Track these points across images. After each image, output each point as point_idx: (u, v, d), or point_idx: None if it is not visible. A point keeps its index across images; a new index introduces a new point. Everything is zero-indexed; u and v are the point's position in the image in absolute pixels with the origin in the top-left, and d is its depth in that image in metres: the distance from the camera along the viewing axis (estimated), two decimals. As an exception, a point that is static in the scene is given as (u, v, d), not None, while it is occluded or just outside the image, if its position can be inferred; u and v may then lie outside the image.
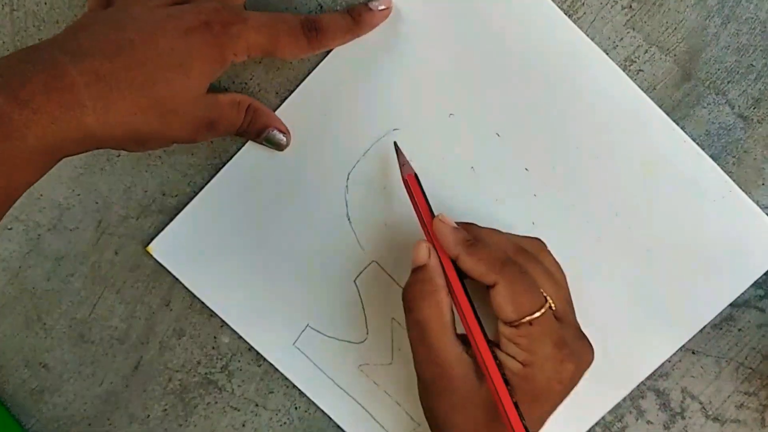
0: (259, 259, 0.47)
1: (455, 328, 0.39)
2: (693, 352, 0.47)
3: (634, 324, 0.46)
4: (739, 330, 0.47)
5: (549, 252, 0.42)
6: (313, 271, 0.47)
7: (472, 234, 0.40)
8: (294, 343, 0.47)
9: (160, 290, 0.48)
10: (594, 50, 0.44)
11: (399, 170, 0.43)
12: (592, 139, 0.45)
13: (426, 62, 0.44)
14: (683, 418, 0.48)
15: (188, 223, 0.46)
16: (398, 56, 0.44)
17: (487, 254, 0.38)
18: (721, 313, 0.47)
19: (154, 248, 0.47)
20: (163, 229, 0.47)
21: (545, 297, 0.38)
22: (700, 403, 0.48)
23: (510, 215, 0.45)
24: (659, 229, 0.45)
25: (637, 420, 0.48)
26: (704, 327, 0.47)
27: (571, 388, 0.39)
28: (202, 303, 0.47)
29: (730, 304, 0.46)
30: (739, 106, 0.45)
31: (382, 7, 0.43)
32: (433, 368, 0.38)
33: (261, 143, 0.45)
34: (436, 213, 0.40)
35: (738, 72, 0.45)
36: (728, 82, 0.45)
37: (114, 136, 0.36)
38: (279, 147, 0.45)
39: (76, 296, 0.48)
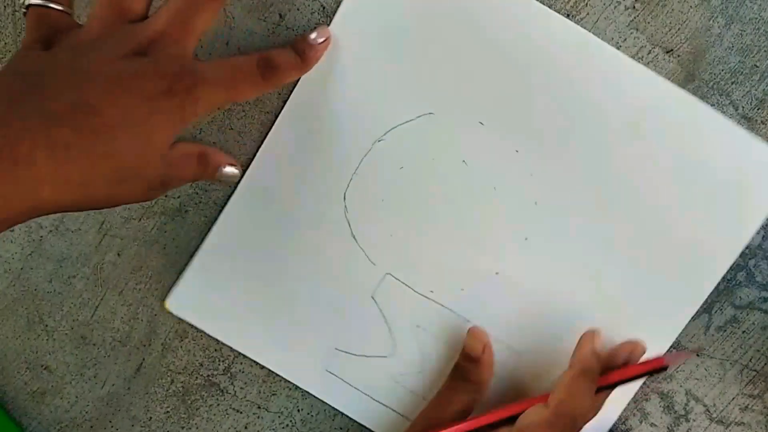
0: (275, 293, 0.46)
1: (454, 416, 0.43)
2: (697, 354, 0.47)
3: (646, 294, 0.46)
4: (744, 332, 0.47)
5: None
6: (330, 295, 0.46)
7: None
8: (326, 369, 0.47)
9: (162, 292, 0.48)
10: (557, 18, 0.44)
11: (394, 174, 0.44)
12: (574, 103, 0.44)
13: (397, 66, 0.44)
14: (687, 420, 0.48)
15: (199, 273, 0.46)
16: (365, 67, 0.44)
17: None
18: (725, 314, 0.46)
19: (171, 305, 0.47)
20: (165, 231, 0.47)
21: None
22: (705, 405, 0.48)
23: (510, 200, 0.45)
24: (653, 189, 0.45)
25: (641, 422, 0.48)
26: (708, 328, 0.46)
27: None
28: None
29: (735, 306, 0.46)
30: (743, 107, 0.45)
31: (321, 39, 0.43)
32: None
33: (215, 182, 0.44)
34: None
35: (742, 73, 0.44)
36: (732, 83, 0.45)
37: (61, 206, 0.34)
38: (232, 181, 0.45)
39: (78, 298, 0.48)
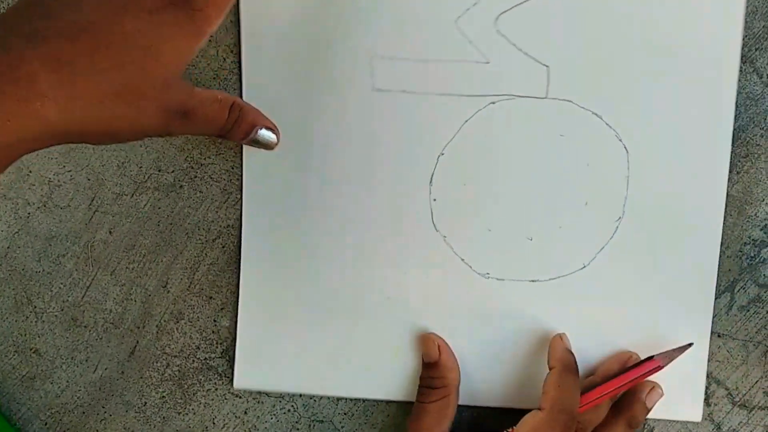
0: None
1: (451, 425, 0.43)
2: (719, 335, 0.45)
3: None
4: (768, 311, 0.45)
5: None
6: None
7: None
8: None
9: (157, 271, 0.46)
10: None
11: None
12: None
13: None
14: (708, 404, 0.46)
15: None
16: None
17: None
18: (749, 293, 0.44)
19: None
20: (159, 207, 0.45)
21: None
22: (726, 389, 0.46)
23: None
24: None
25: (659, 406, 0.46)
26: (731, 308, 0.44)
27: None
28: (201, 286, 0.45)
29: (758, 284, 0.44)
30: (767, 75, 0.43)
31: None
32: None
33: (249, 144, 0.42)
34: None
35: (766, 38, 0.43)
36: (756, 50, 0.43)
37: (79, 130, 0.33)
38: (268, 146, 0.42)
39: (68, 278, 0.46)
